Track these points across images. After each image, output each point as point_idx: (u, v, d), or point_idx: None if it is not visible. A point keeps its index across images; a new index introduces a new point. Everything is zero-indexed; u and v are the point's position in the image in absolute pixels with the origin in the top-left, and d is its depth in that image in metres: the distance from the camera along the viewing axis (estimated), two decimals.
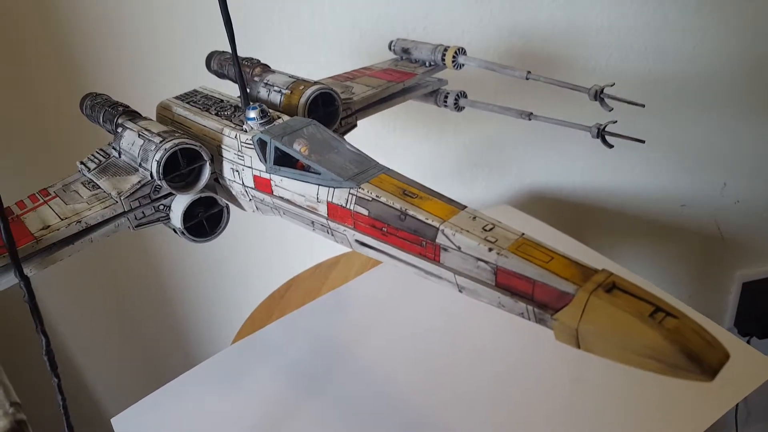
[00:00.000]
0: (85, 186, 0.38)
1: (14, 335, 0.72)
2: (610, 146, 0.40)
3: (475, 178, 0.78)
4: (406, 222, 0.27)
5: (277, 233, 0.78)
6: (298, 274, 0.71)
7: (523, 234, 0.24)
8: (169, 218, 0.37)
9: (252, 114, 0.36)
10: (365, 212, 0.29)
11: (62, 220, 0.34)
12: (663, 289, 0.53)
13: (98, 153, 0.40)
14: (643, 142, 0.37)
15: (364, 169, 0.30)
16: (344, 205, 0.30)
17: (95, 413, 0.86)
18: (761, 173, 0.84)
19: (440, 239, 0.25)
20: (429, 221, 0.26)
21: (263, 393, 0.51)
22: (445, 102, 0.50)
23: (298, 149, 0.33)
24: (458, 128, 0.74)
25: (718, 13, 0.70)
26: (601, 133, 0.39)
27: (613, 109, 0.38)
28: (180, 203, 0.36)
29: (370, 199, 0.28)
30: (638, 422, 0.44)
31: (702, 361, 0.18)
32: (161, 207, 0.37)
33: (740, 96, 0.76)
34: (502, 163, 0.78)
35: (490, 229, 0.25)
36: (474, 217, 0.26)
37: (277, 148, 0.33)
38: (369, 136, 0.72)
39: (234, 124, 0.37)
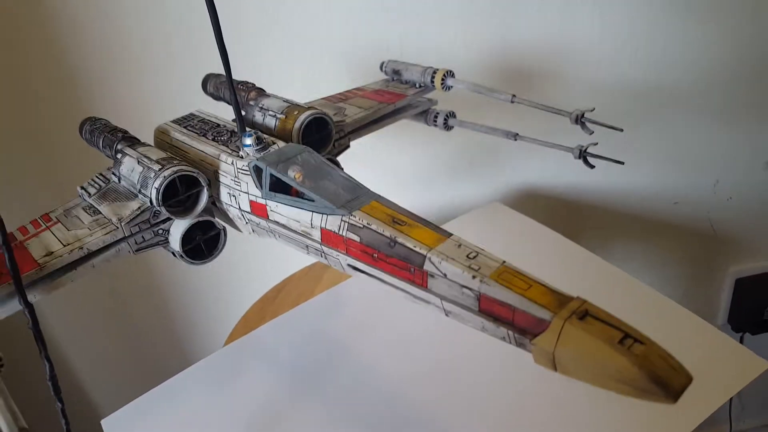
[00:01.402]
0: (86, 211, 0.39)
1: (13, 334, 0.72)
2: (592, 167, 0.41)
3: (468, 177, 0.79)
4: (395, 249, 0.28)
5: None
6: (292, 275, 0.71)
7: (504, 262, 0.26)
8: (168, 242, 0.39)
9: (248, 141, 0.37)
10: (357, 239, 0.30)
11: (65, 246, 0.35)
12: (656, 286, 0.54)
13: (98, 178, 0.41)
14: (622, 163, 0.39)
15: (355, 196, 0.32)
16: (337, 231, 0.31)
17: (89, 414, 0.87)
18: (753, 170, 0.84)
19: (427, 266, 0.27)
20: (417, 249, 0.27)
21: (256, 395, 0.51)
22: (435, 121, 0.52)
23: (293, 176, 0.34)
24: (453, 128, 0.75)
25: (712, 18, 0.71)
26: (582, 155, 0.41)
27: (593, 132, 0.40)
28: (178, 227, 0.38)
29: (362, 226, 0.30)
30: (630, 419, 0.44)
31: (667, 385, 0.20)
32: (160, 231, 0.38)
33: (732, 94, 0.77)
34: (495, 161, 0.78)
35: (474, 257, 0.26)
36: (459, 245, 0.27)
37: (272, 175, 0.34)
38: (363, 139, 0.73)
39: (230, 150, 0.39)
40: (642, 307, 0.53)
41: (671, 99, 0.75)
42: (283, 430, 0.48)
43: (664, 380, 0.20)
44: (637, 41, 0.70)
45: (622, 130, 0.38)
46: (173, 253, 0.39)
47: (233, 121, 0.45)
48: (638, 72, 0.72)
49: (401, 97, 0.51)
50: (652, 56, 0.71)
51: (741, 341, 0.93)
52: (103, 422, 0.50)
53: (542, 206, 0.82)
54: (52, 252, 0.35)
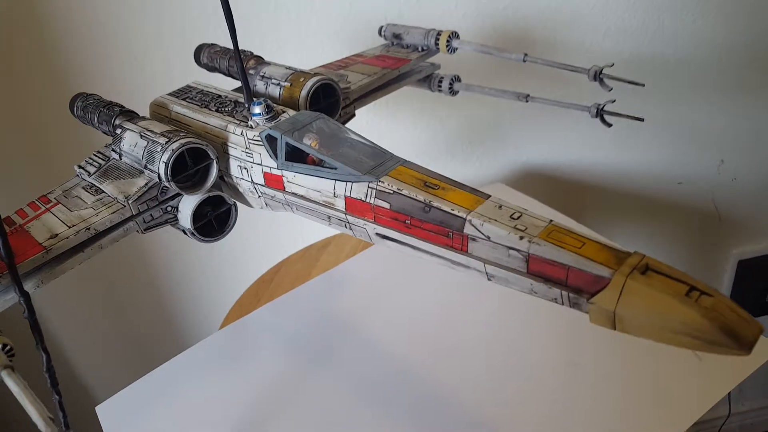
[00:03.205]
0: (87, 191, 0.37)
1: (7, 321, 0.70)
2: (609, 125, 0.41)
3: (470, 156, 0.78)
4: (431, 214, 0.27)
5: (265, 215, 0.77)
6: (287, 257, 0.70)
7: (552, 221, 0.25)
8: (177, 219, 0.37)
9: (257, 110, 0.35)
10: (386, 206, 0.29)
11: (70, 227, 0.33)
12: None
13: (96, 156, 0.39)
14: (641, 120, 0.38)
15: (380, 162, 0.30)
16: (364, 199, 0.30)
17: (83, 400, 0.85)
18: (758, 151, 0.84)
19: (468, 229, 0.26)
20: (455, 212, 0.26)
21: (251, 378, 0.50)
22: (440, 86, 0.51)
23: (309, 143, 0.33)
24: (453, 106, 0.73)
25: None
26: (600, 113, 0.40)
27: (612, 89, 0.39)
28: (188, 204, 0.36)
29: (392, 192, 0.28)
30: (637, 406, 0.44)
31: (739, 336, 0.19)
32: (169, 208, 0.36)
33: (738, 74, 0.76)
34: (497, 140, 0.77)
35: (518, 218, 0.25)
36: (500, 206, 0.26)
37: (288, 144, 0.33)
38: (361, 116, 0.71)
39: (238, 120, 0.37)
40: None
41: (676, 78, 0.74)
42: (279, 414, 0.47)
43: (736, 331, 0.19)
44: (643, 17, 0.69)
45: (643, 85, 0.37)
46: (183, 231, 0.37)
47: (234, 91, 0.43)
48: (644, 49, 0.71)
49: (404, 61, 0.49)
50: (658, 34, 0.70)
51: None
52: (97, 408, 0.49)
53: (545, 186, 0.81)
54: (57, 234, 0.33)
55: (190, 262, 0.81)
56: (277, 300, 0.59)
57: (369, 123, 0.71)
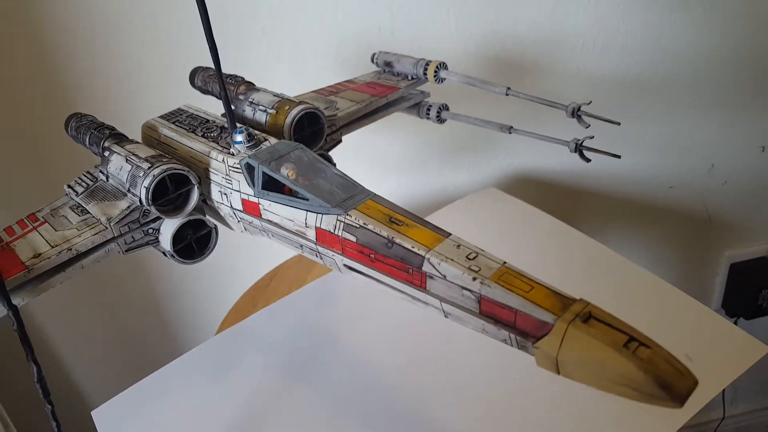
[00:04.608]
0: (73, 211, 0.38)
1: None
2: (588, 160, 0.41)
3: (462, 162, 0.78)
4: (393, 249, 0.28)
5: None
6: (283, 263, 0.70)
7: (505, 263, 0.25)
8: (158, 241, 0.38)
9: (239, 137, 0.36)
10: (353, 239, 0.29)
11: (53, 247, 0.34)
12: (651, 270, 0.54)
13: (85, 176, 0.40)
14: (618, 157, 0.39)
15: (351, 195, 0.31)
16: (332, 231, 0.30)
17: (79, 405, 0.86)
18: (747, 155, 0.84)
19: (426, 267, 0.26)
20: (415, 249, 0.27)
21: (247, 384, 0.50)
22: (428, 114, 0.51)
23: (286, 174, 0.33)
24: None
25: (706, 5, 0.71)
26: (579, 148, 0.41)
27: (589, 125, 0.39)
28: (169, 227, 0.37)
29: (358, 226, 0.29)
30: (627, 407, 0.43)
31: (673, 389, 0.20)
32: (150, 231, 0.37)
33: (727, 79, 0.76)
34: (488, 146, 0.78)
35: (474, 258, 0.26)
36: (458, 246, 0.27)
37: (264, 173, 0.34)
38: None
39: (221, 146, 0.38)
40: (639, 291, 0.53)
41: (666, 84, 0.75)
42: (275, 419, 0.47)
43: (670, 384, 0.20)
44: (632, 26, 0.69)
45: (619, 124, 0.37)
46: (164, 253, 0.38)
47: (223, 116, 0.44)
48: (634, 56, 0.72)
49: (393, 89, 0.50)
50: (647, 41, 0.71)
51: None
52: (93, 413, 0.49)
53: (537, 191, 0.81)
54: (40, 254, 0.34)
55: (186, 268, 0.82)
56: (273, 305, 0.59)
57: (362, 132, 0.72)
